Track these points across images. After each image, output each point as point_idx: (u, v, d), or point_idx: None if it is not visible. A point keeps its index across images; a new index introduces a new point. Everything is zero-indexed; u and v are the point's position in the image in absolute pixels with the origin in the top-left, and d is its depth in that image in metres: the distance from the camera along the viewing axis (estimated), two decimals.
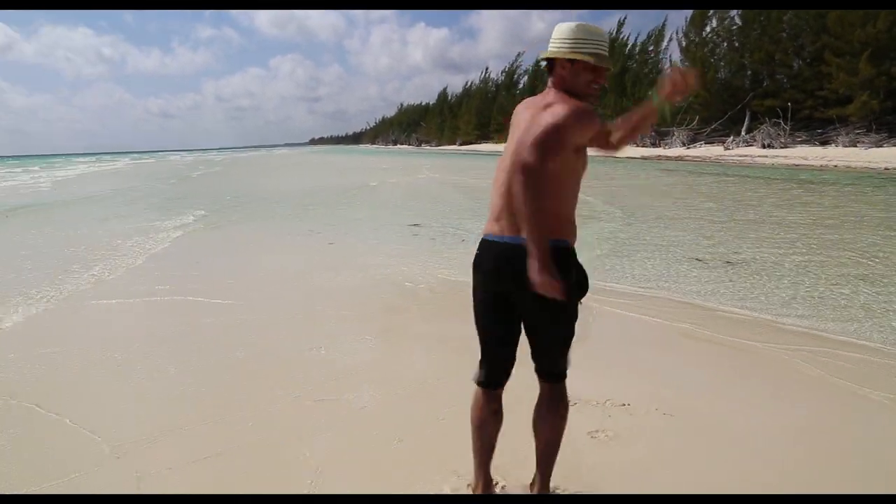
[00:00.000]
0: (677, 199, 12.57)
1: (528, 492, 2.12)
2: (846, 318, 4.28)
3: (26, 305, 4.68)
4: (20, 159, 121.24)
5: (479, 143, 72.95)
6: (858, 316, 4.31)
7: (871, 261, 6.11)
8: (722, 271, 5.77)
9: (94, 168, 42.52)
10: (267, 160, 52.65)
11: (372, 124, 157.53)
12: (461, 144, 78.70)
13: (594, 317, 4.11)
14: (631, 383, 3.07)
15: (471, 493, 2.11)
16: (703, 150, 34.70)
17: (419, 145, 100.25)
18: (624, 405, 2.79)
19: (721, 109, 37.86)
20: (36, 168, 43.94)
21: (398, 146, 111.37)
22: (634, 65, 49.99)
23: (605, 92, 46.28)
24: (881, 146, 26.95)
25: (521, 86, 73.50)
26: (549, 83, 1.89)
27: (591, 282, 1.87)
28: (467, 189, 16.16)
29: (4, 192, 19.41)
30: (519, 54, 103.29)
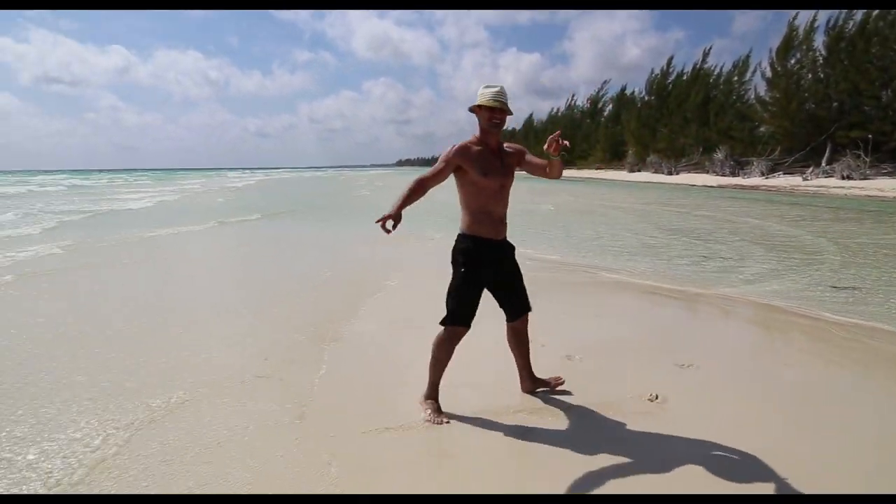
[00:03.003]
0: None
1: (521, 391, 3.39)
2: None
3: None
4: (129, 172, 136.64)
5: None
6: None
7: None
8: None
9: (253, 180, 48.89)
10: (385, 179, 55.41)
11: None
12: None
13: None
14: None
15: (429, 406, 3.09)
16: (780, 181, 35.23)
17: None
18: None
19: (804, 140, 38.16)
20: (196, 180, 50.00)
21: None
22: (719, 95, 50.49)
23: (687, 121, 47.23)
24: None
25: (605, 113, 75.00)
26: None
27: None
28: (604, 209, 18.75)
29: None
30: (605, 82, 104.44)
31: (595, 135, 71.63)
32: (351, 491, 2.36)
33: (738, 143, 44.37)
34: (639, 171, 55.19)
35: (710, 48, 57.66)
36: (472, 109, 2.92)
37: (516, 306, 3.16)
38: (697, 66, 54.89)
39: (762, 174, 38.36)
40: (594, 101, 78.99)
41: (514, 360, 3.39)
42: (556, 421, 3.07)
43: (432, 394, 3.10)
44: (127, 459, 2.62)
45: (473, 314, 2.98)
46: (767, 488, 2.39)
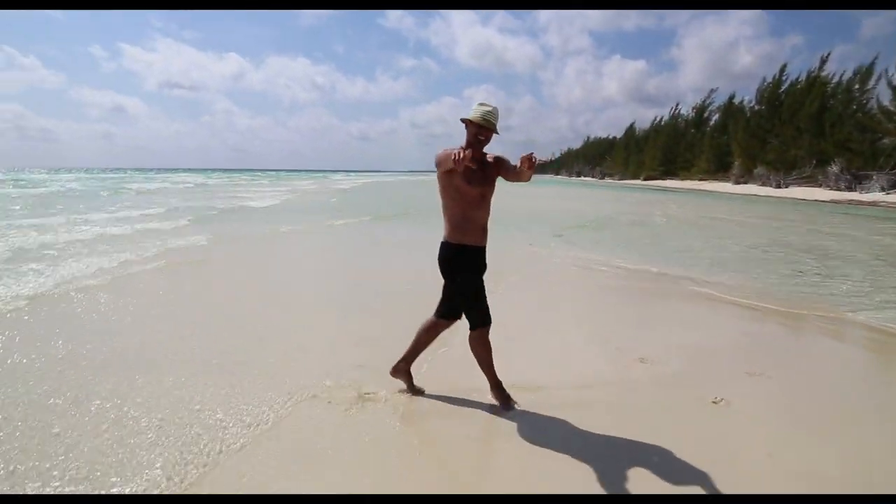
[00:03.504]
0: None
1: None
2: None
3: None
4: (240, 172, 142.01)
5: (664, 179, 73.42)
6: None
7: None
8: None
9: (359, 182, 51.28)
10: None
11: (557, 155, 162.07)
12: (644, 179, 79.55)
13: None
14: None
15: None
16: None
17: (602, 178, 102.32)
18: None
19: None
20: (306, 181, 53.73)
21: (581, 178, 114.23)
22: (836, 104, 47.73)
23: (800, 132, 44.82)
24: None
25: (711, 122, 72.52)
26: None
27: None
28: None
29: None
30: (711, 91, 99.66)
31: (699, 145, 69.51)
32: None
33: (857, 155, 41.78)
34: (744, 183, 53.16)
35: (829, 55, 54.42)
36: (463, 121, 3.01)
37: (480, 315, 3.16)
38: (813, 73, 52.22)
39: (883, 189, 36.16)
40: (700, 110, 76.50)
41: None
42: (612, 416, 3.23)
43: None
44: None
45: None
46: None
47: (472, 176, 2.97)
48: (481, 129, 2.96)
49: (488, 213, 3.13)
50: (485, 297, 3.13)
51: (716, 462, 2.70)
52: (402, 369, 3.43)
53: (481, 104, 2.99)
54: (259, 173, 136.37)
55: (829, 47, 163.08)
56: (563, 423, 3.12)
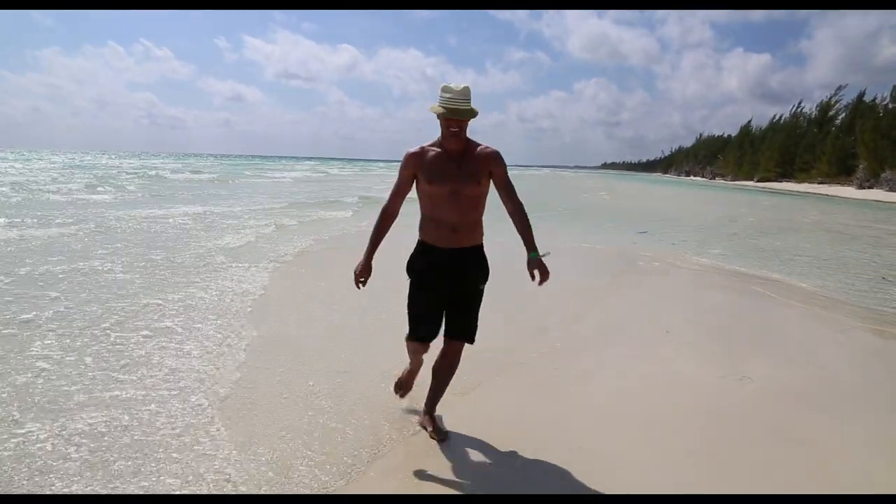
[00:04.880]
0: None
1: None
2: None
3: None
4: (351, 162, 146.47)
5: (779, 182, 69.95)
6: None
7: None
8: None
9: None
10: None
11: (667, 153, 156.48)
12: (758, 181, 76.08)
13: None
14: None
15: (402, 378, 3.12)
16: None
17: (712, 178, 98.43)
18: None
19: None
20: None
21: (690, 177, 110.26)
22: None
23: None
24: None
25: (837, 122, 67.99)
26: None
27: None
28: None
29: None
30: (839, 88, 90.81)
31: (821, 145, 65.58)
32: None
33: None
34: (869, 187, 50.12)
35: None
36: (432, 109, 2.61)
37: (450, 326, 2.83)
38: None
39: None
40: (824, 108, 71.87)
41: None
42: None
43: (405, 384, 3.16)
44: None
45: (429, 329, 2.81)
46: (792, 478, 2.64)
47: (436, 174, 2.63)
48: (451, 121, 2.58)
49: (466, 214, 2.70)
50: (416, 306, 2.82)
51: None
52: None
53: (445, 89, 2.57)
54: (370, 163, 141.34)
55: None
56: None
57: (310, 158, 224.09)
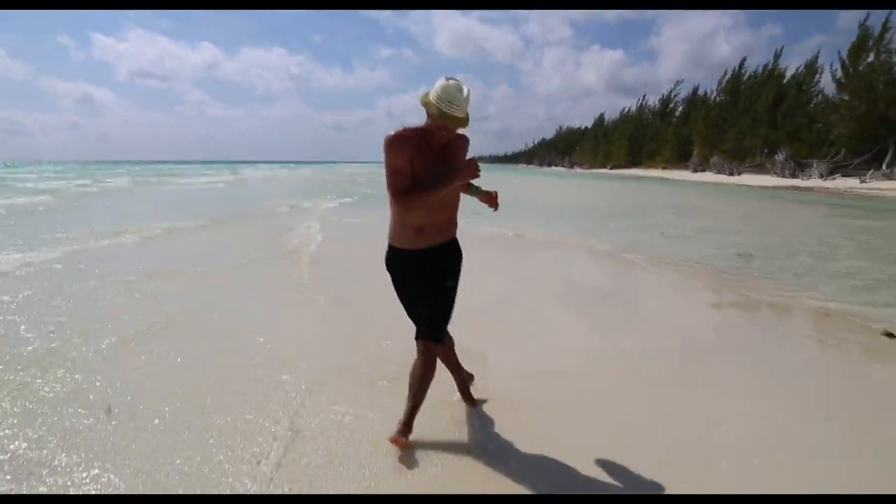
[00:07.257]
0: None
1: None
2: None
3: None
4: (214, 164, 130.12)
5: (629, 168, 75.84)
6: None
7: None
8: None
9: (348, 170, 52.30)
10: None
11: (530, 145, 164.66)
12: (611, 168, 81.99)
13: None
14: None
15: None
16: (837, 182, 35.75)
17: (571, 167, 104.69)
18: None
19: (871, 143, 38.21)
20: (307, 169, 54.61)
21: (552, 167, 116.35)
22: (789, 96, 50.30)
23: (755, 123, 47.42)
24: None
25: (677, 114, 75.09)
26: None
27: None
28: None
29: None
30: (677, 83, 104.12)
31: (664, 135, 72.04)
32: None
33: (804, 144, 44.51)
34: (702, 171, 55.86)
35: (782, 49, 60.49)
36: (424, 101, 2.37)
37: (420, 324, 2.62)
38: (768, 66, 54.91)
39: (821, 176, 38.75)
40: (665, 101, 79.25)
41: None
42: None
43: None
44: None
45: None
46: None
47: (425, 166, 2.43)
48: (445, 128, 2.36)
49: (448, 210, 2.62)
50: (406, 308, 2.76)
51: None
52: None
53: (451, 97, 2.30)
54: (231, 165, 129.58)
55: (808, 37, 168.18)
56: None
57: (166, 162, 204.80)
